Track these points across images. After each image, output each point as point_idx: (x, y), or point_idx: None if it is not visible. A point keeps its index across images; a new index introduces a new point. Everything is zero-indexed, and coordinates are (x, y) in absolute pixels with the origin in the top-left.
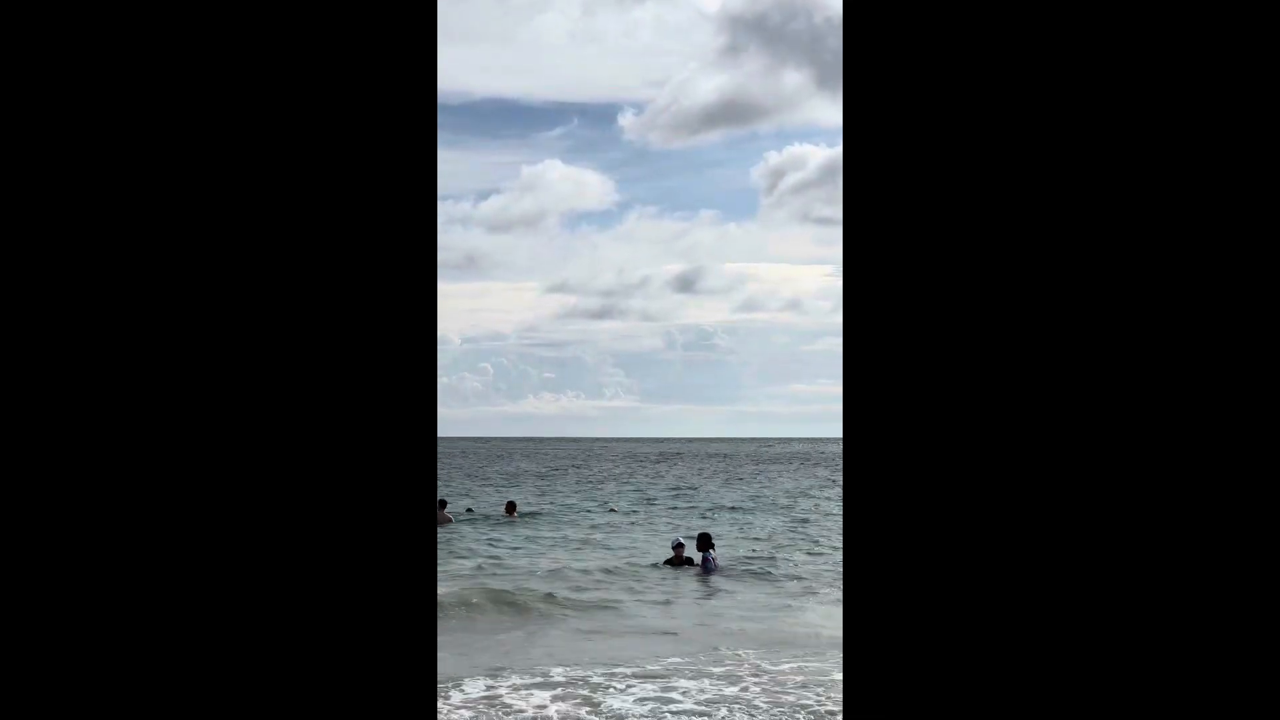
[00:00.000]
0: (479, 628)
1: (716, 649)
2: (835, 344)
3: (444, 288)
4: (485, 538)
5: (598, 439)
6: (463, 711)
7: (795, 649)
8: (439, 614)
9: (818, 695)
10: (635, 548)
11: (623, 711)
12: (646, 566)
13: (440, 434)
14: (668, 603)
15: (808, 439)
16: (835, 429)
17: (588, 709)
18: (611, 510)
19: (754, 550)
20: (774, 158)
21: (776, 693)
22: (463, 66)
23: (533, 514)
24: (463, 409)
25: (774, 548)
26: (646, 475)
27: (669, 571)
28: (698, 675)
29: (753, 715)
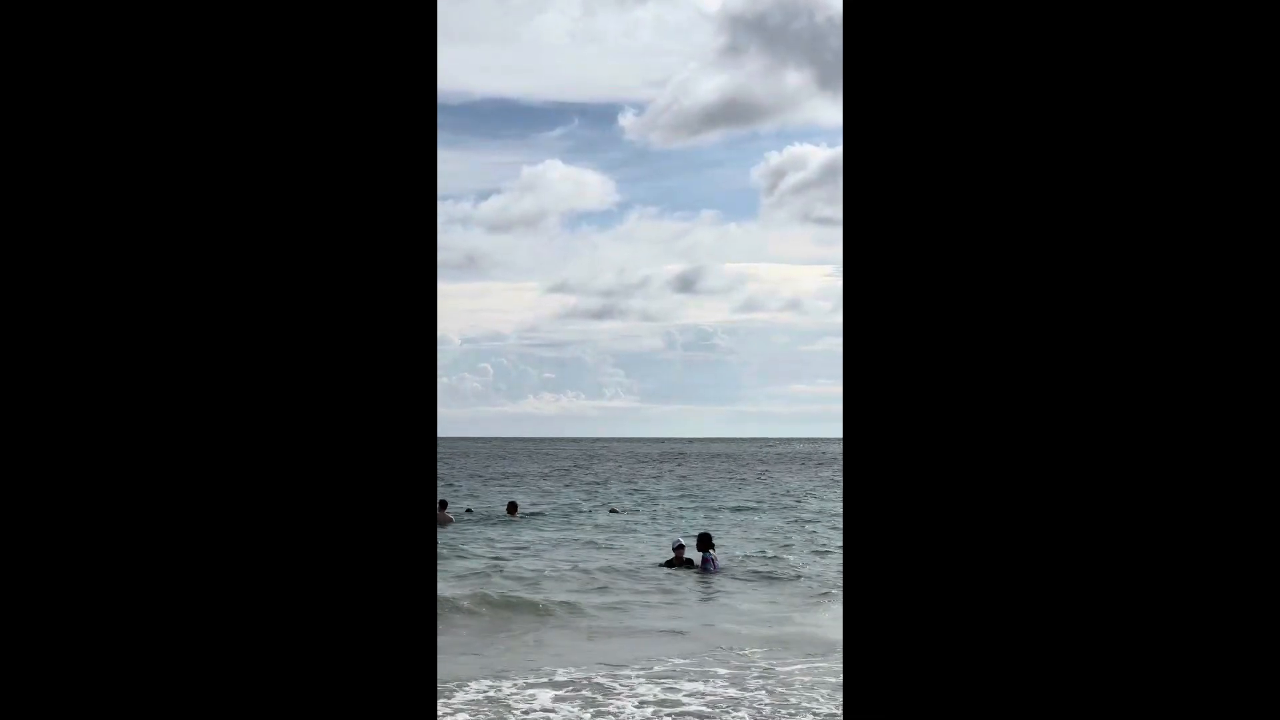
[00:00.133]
0: (482, 628)
1: (722, 649)
2: (835, 344)
3: (444, 288)
4: (487, 538)
5: (598, 439)
6: (466, 713)
7: (802, 650)
8: (441, 615)
9: (825, 697)
10: (637, 548)
11: (628, 713)
12: (647, 567)
13: (440, 434)
14: (671, 604)
15: (808, 439)
16: (835, 429)
17: (592, 710)
18: (613, 511)
19: (762, 551)
20: (775, 158)
21: (783, 694)
22: (463, 66)
23: (535, 514)
24: (463, 409)
25: (779, 548)
26: (649, 475)
27: (670, 572)
28: (703, 676)
29: (760, 717)
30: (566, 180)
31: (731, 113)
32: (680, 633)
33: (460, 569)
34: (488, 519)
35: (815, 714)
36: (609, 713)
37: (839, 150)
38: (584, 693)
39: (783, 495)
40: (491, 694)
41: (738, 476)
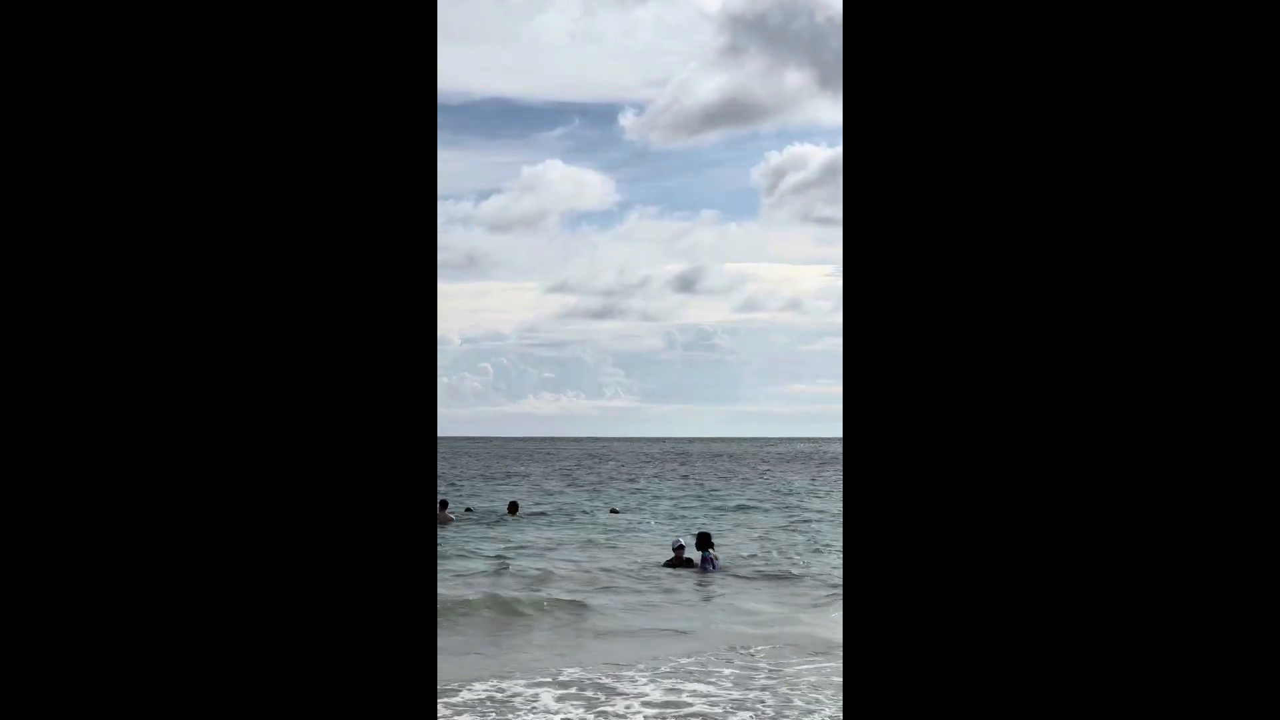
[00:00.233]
0: (484, 628)
1: (726, 650)
2: (835, 344)
3: (444, 288)
4: (488, 538)
5: (598, 439)
6: (469, 713)
7: (808, 650)
8: (443, 615)
9: (830, 698)
10: (639, 548)
11: (633, 714)
12: (649, 567)
13: (440, 434)
14: (674, 603)
15: (809, 439)
16: (835, 429)
17: (596, 711)
18: (613, 511)
19: (766, 550)
20: (775, 158)
21: (788, 695)
22: (463, 66)
23: (536, 514)
24: (463, 409)
25: (783, 547)
26: (651, 474)
27: (670, 572)
28: (708, 677)
29: (765, 719)
30: (567, 180)
31: (732, 113)
32: (684, 632)
33: (462, 568)
34: (488, 519)
35: (821, 716)
36: (613, 713)
37: (839, 150)
38: (588, 693)
39: (786, 494)
40: (495, 694)
41: (740, 476)
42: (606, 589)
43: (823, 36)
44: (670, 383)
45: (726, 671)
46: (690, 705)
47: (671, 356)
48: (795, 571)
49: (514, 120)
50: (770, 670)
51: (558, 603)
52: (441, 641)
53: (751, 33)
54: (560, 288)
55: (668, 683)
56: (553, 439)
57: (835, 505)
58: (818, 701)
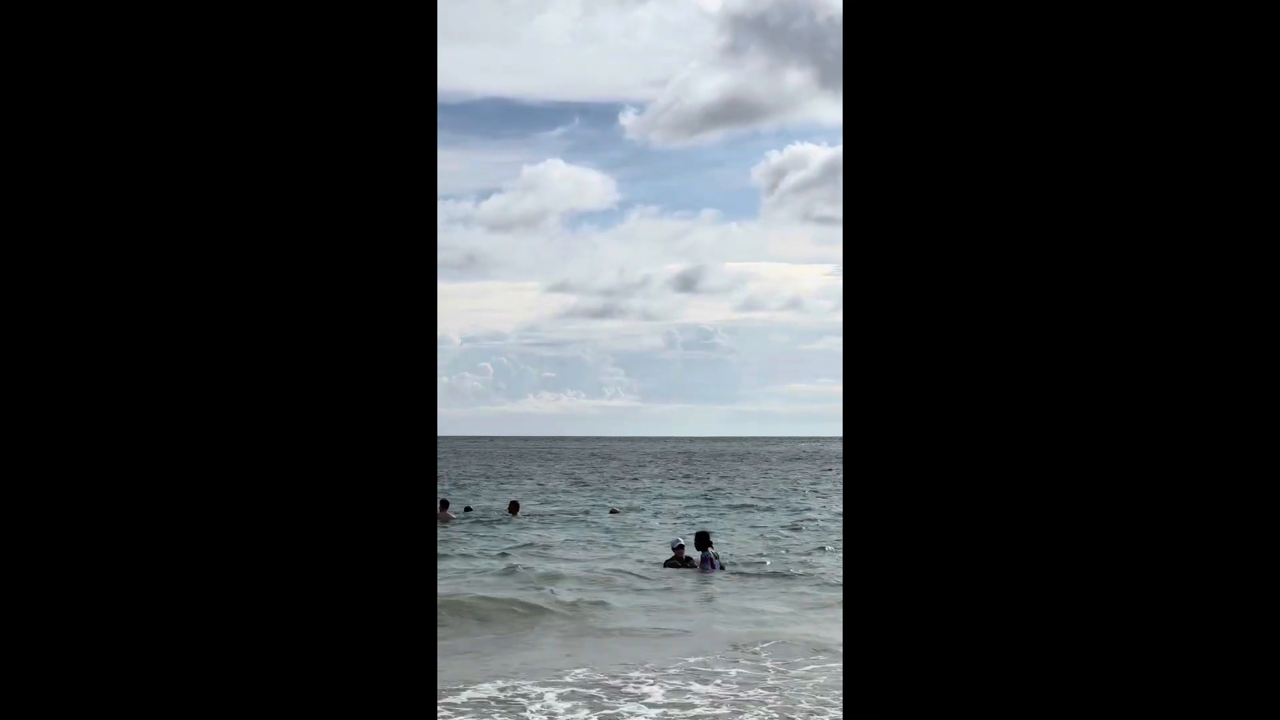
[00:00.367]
0: (485, 629)
1: (731, 650)
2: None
3: (444, 287)
4: (488, 538)
5: (599, 438)
6: (472, 714)
7: (812, 650)
8: (444, 616)
9: (836, 699)
10: (641, 548)
11: (638, 715)
12: (650, 566)
13: (440, 433)
14: (678, 604)
15: (809, 438)
16: (835, 428)
17: (600, 713)
18: (613, 511)
19: (769, 550)
20: (775, 157)
21: (793, 696)
22: (463, 66)
23: (536, 514)
24: (463, 408)
25: (786, 546)
26: (653, 474)
27: (670, 572)
28: (711, 677)
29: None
30: (567, 180)
31: (732, 112)
32: (688, 633)
33: (463, 568)
34: (488, 519)
35: (828, 717)
36: (618, 714)
37: (839, 149)
38: (592, 694)
39: (789, 494)
40: (498, 695)
41: (741, 475)
42: (610, 589)
43: (823, 36)
44: (670, 382)
45: (732, 672)
46: (696, 706)
47: (672, 356)
48: (801, 571)
49: (514, 120)
50: (776, 671)
51: (559, 602)
52: (444, 642)
53: (752, 32)
54: (560, 287)
55: (673, 683)
56: (553, 439)
57: (838, 504)
58: (825, 703)
